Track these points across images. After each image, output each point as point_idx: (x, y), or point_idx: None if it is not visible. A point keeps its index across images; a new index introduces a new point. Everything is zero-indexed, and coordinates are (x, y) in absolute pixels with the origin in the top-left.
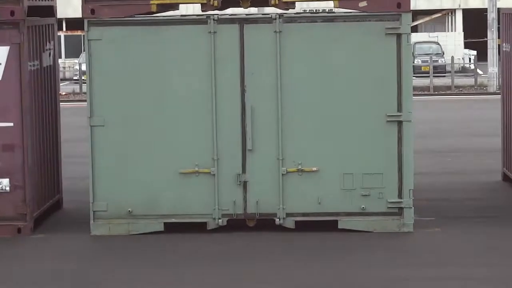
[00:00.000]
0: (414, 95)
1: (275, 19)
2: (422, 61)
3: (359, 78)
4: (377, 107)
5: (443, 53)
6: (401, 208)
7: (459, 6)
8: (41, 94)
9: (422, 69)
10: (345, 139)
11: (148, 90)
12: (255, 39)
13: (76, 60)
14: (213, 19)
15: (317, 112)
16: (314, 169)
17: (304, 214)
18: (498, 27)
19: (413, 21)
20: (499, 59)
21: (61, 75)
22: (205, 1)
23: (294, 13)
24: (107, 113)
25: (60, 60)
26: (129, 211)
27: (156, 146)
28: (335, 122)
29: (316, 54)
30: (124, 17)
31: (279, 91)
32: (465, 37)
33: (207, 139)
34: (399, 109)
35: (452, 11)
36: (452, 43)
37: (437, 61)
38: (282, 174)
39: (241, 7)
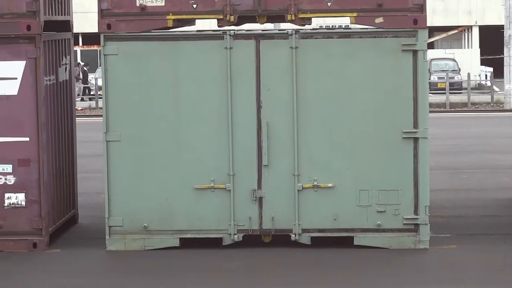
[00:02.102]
0: (430, 111)
1: (291, 35)
2: (438, 78)
3: (375, 94)
4: (393, 124)
5: (460, 70)
6: (417, 225)
7: (476, 22)
8: (57, 109)
9: (438, 86)
10: (361, 155)
11: (164, 105)
12: (271, 54)
13: (92, 75)
14: (229, 35)
15: (333, 128)
16: (330, 185)
17: (319, 230)
18: None
19: (429, 37)
20: None
21: (77, 90)
22: (221, 17)
23: (310, 29)
24: (123, 128)
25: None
26: (144, 226)
27: (171, 162)
28: (351, 138)
29: (332, 70)
30: (140, 32)
31: (295, 106)
32: (481, 54)
33: (223, 154)
34: (415, 125)
35: (469, 28)
36: (468, 60)
37: (453, 77)
38: (298, 190)
39: (257, 22)
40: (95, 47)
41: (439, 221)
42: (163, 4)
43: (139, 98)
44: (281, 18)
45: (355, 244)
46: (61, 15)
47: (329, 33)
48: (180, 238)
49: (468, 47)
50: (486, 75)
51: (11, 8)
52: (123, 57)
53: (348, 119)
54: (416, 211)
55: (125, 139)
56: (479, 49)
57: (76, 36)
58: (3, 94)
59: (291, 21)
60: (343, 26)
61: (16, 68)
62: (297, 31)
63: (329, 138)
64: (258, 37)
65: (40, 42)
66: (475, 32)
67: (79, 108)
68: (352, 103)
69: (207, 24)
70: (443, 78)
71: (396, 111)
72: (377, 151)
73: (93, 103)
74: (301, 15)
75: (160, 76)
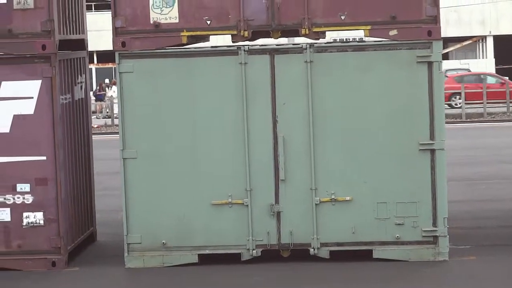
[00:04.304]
0: (446, 122)
1: (306, 49)
2: None
3: (391, 107)
4: (409, 136)
5: None
6: (436, 237)
7: (490, 32)
8: (73, 127)
9: None
10: (378, 168)
11: (180, 121)
12: (286, 69)
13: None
14: (244, 50)
15: (349, 142)
16: (348, 198)
17: (338, 244)
18: None
19: (444, 48)
20: None
21: (92, 108)
22: (235, 32)
23: (325, 43)
24: (139, 146)
25: (91, 93)
26: (163, 243)
27: (188, 178)
28: (367, 151)
29: (347, 83)
30: (155, 49)
31: (311, 121)
32: (496, 64)
33: (240, 170)
34: (432, 137)
35: (483, 38)
36: (483, 70)
37: None
38: (316, 204)
39: (271, 37)
40: (110, 65)
41: (458, 232)
42: (177, 21)
43: (155, 115)
44: (295, 33)
45: (374, 257)
46: (76, 33)
47: (343, 47)
48: (198, 254)
49: (483, 57)
50: None
51: (26, 27)
52: (138, 75)
53: (364, 132)
54: (434, 223)
55: (142, 156)
56: (494, 59)
57: (90, 54)
58: (19, 113)
59: (305, 35)
60: (357, 39)
61: (32, 87)
62: (311, 45)
63: (346, 151)
64: (272, 52)
65: (55, 61)
66: (490, 41)
67: (95, 126)
68: (368, 116)
69: (221, 40)
70: None
71: (412, 123)
72: (394, 164)
73: (109, 121)
74: (315, 29)
75: (176, 92)
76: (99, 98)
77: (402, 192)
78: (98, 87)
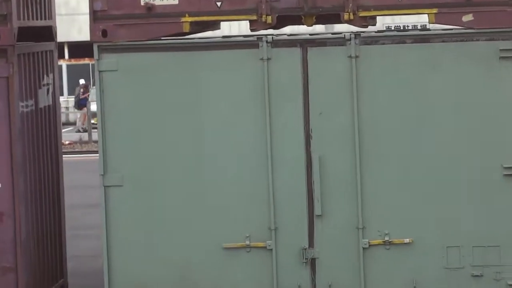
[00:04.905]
0: None
1: (350, 40)
2: None
3: (463, 117)
4: (489, 156)
5: None
6: None
7: None
8: (37, 144)
9: None
10: (448, 200)
11: (180, 137)
12: (323, 67)
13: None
14: (266, 41)
15: (408, 164)
16: (407, 240)
17: None
18: None
19: None
20: None
21: (63, 118)
22: (255, 17)
23: (375, 32)
24: (126, 169)
25: (61, 99)
26: None
27: (191, 212)
28: (432, 177)
29: (406, 86)
30: (147, 40)
31: (356, 136)
32: None
33: (261, 201)
34: None
35: None
36: None
37: None
38: (363, 248)
39: (303, 24)
40: (86, 61)
41: None
42: (176, 2)
43: (146, 128)
44: (335, 18)
45: None
46: (41, 19)
47: (400, 37)
48: None
49: None
50: None
51: None
52: (124, 74)
53: (427, 152)
54: None
55: (129, 183)
56: None
57: (60, 46)
58: None
59: (349, 22)
60: (419, 27)
61: None
62: (357, 34)
63: (404, 177)
64: (305, 43)
65: (13, 56)
66: None
67: (66, 142)
68: (433, 130)
69: (236, 27)
70: None
71: (493, 139)
72: (469, 194)
73: (85, 136)
74: (363, 13)
75: (175, 97)
76: (83, 104)
77: (480, 233)
78: (81, 90)
